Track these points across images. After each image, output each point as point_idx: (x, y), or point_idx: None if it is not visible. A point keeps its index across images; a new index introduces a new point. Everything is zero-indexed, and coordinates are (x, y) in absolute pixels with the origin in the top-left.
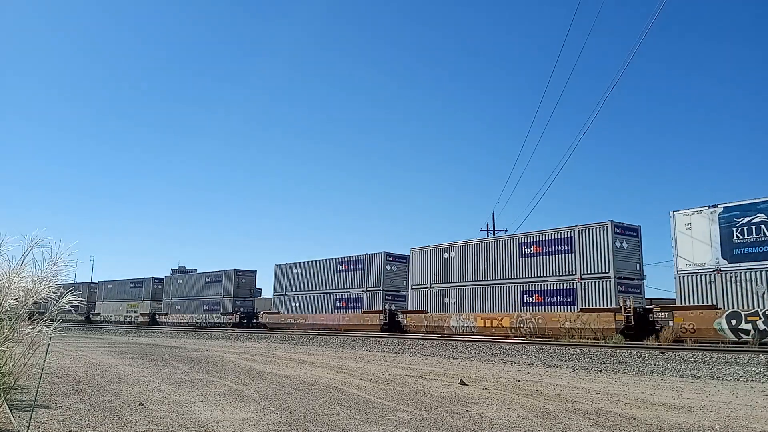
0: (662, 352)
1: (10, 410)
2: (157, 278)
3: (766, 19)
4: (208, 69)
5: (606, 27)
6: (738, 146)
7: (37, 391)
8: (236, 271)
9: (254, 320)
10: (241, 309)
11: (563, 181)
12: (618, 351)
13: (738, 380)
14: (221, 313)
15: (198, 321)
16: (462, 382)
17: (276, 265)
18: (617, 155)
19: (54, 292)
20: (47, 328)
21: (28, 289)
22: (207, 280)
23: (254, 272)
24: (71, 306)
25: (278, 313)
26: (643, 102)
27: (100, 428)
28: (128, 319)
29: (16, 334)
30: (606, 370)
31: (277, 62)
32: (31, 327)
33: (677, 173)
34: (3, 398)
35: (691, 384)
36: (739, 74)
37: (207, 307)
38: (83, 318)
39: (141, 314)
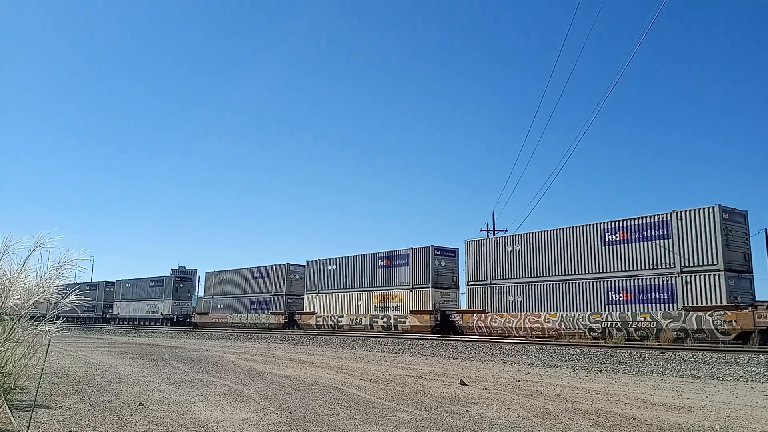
0: (662, 352)
1: (10, 410)
2: (179, 276)
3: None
4: (209, 69)
5: (607, 26)
6: (741, 143)
7: (37, 391)
8: (289, 265)
9: (295, 321)
10: (293, 308)
11: (563, 181)
12: (618, 351)
13: (738, 380)
14: (271, 313)
15: (242, 322)
16: (462, 382)
17: (307, 261)
18: (618, 154)
19: (57, 293)
20: (47, 329)
21: (30, 289)
22: (255, 275)
23: (304, 266)
24: (75, 305)
25: (313, 313)
26: (644, 101)
27: (100, 428)
28: (152, 320)
29: (16, 335)
30: (606, 370)
31: (278, 62)
32: (32, 327)
33: (678, 171)
34: (3, 398)
35: (691, 384)
36: (743, 72)
37: (254, 306)
38: (100, 318)
39: (162, 314)
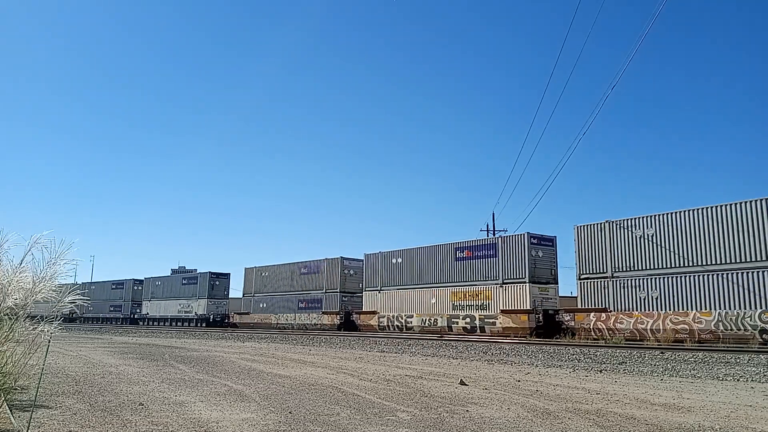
0: (662, 352)
1: (10, 410)
2: (215, 273)
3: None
4: (206, 70)
5: (606, 27)
6: (738, 146)
7: (37, 391)
8: (343, 259)
9: (352, 321)
10: (348, 307)
11: (564, 180)
12: (618, 351)
13: (738, 380)
14: (323, 313)
15: (289, 322)
16: (462, 382)
17: (366, 255)
18: (617, 155)
19: (54, 292)
20: (47, 328)
21: (29, 288)
22: (303, 270)
23: (361, 260)
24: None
25: (374, 312)
26: (643, 102)
27: (100, 428)
28: (185, 320)
29: (16, 335)
30: (606, 370)
31: (275, 63)
32: (32, 327)
33: (677, 173)
34: (3, 398)
35: (691, 384)
36: (742, 74)
37: (303, 305)
38: (127, 319)
39: (197, 314)
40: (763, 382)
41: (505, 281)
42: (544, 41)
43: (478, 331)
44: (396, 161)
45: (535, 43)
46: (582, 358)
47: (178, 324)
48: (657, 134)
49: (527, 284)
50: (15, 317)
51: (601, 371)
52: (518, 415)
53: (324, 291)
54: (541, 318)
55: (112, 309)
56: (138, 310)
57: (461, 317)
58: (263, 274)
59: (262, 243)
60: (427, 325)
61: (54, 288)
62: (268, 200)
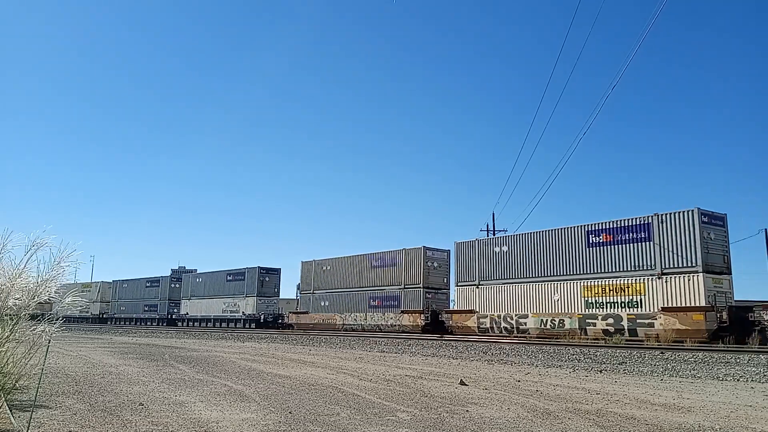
0: (662, 352)
1: (10, 410)
2: (264, 268)
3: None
4: (208, 68)
5: (607, 25)
6: (742, 144)
7: (37, 391)
8: (425, 249)
9: (442, 322)
10: (433, 305)
11: (564, 180)
12: (618, 351)
13: (738, 380)
14: (402, 312)
15: (359, 323)
16: (462, 383)
17: (456, 243)
18: (618, 154)
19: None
20: (48, 328)
21: (31, 288)
22: (375, 263)
23: (447, 251)
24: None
25: (471, 312)
26: (644, 100)
27: (100, 428)
28: (231, 321)
29: (17, 335)
30: (606, 370)
31: (277, 61)
32: (32, 328)
33: (679, 171)
34: (3, 398)
35: (691, 384)
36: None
37: (375, 303)
38: (164, 319)
39: (244, 314)
40: (763, 382)
41: (664, 271)
42: (544, 39)
43: (627, 334)
44: (395, 160)
45: (535, 41)
46: (582, 358)
47: (222, 325)
48: (660, 132)
49: (701, 275)
50: (16, 318)
51: (601, 371)
52: (518, 415)
53: (402, 287)
54: (725, 317)
55: (146, 309)
56: (176, 310)
57: (600, 318)
58: (324, 267)
59: (263, 243)
60: (548, 327)
61: (67, 288)
62: (269, 200)
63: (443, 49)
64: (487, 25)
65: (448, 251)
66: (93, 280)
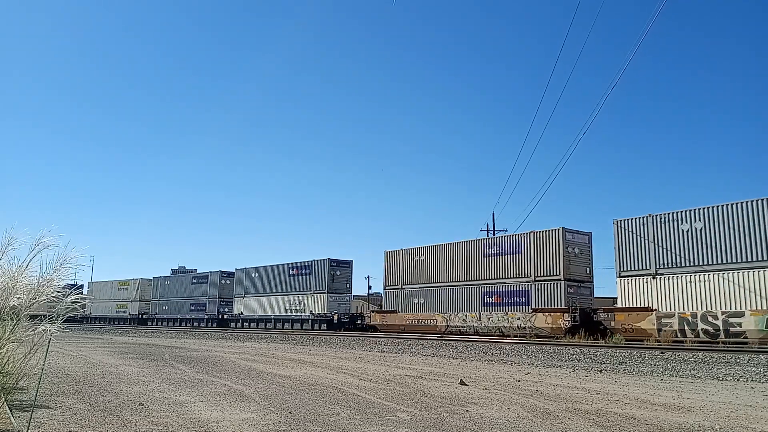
0: (662, 353)
1: (10, 410)
2: (335, 260)
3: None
4: (207, 68)
5: (607, 25)
6: (741, 144)
7: (37, 391)
8: (565, 230)
9: (597, 323)
10: (574, 301)
11: (564, 180)
12: (618, 351)
13: (738, 380)
14: (534, 311)
15: (471, 324)
16: (462, 383)
17: (615, 221)
18: (619, 154)
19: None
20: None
21: (34, 288)
22: (491, 250)
23: (588, 234)
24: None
25: (648, 310)
26: (644, 100)
27: (100, 428)
28: (297, 321)
29: (18, 335)
30: (606, 370)
31: (277, 61)
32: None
33: (678, 172)
34: (3, 398)
35: (691, 384)
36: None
37: (492, 300)
38: (214, 320)
39: (313, 314)
40: (763, 382)
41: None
42: (544, 39)
43: None
44: (395, 160)
45: (535, 41)
46: (582, 358)
47: (285, 326)
48: (659, 131)
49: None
50: (17, 318)
51: (601, 371)
52: (518, 415)
53: (532, 279)
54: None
55: (193, 308)
56: (227, 309)
57: None
58: (417, 258)
59: (263, 243)
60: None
61: (102, 286)
62: (269, 200)
63: (443, 49)
64: (487, 25)
65: (590, 234)
66: (132, 277)
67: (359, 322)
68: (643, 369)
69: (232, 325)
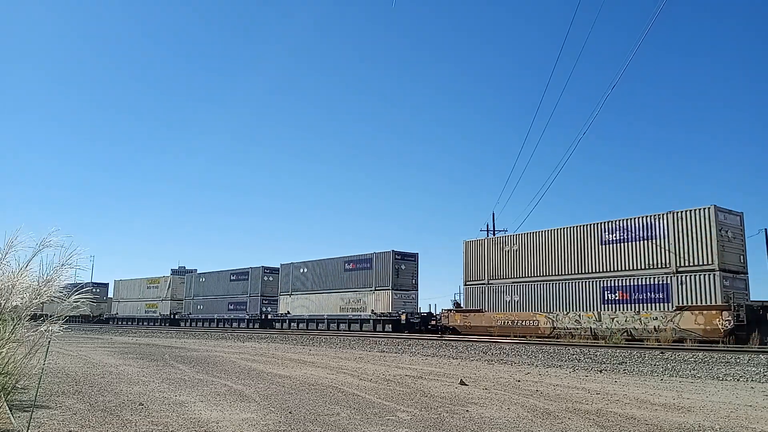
0: (662, 352)
1: (10, 410)
2: (399, 252)
3: None
4: (211, 66)
5: (609, 22)
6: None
7: (37, 391)
8: (717, 209)
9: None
10: (728, 296)
11: (565, 180)
12: (618, 351)
13: (738, 380)
14: (679, 308)
15: (589, 326)
16: (462, 383)
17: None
18: (620, 152)
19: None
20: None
21: (35, 288)
22: (610, 236)
23: (740, 214)
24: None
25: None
26: (646, 98)
27: (100, 428)
28: (355, 321)
29: (18, 335)
30: (606, 370)
31: (279, 60)
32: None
33: (682, 169)
34: (3, 398)
35: (691, 384)
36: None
37: (618, 297)
38: (256, 319)
39: (375, 313)
40: (763, 382)
41: None
42: (546, 36)
43: None
44: (395, 159)
45: (537, 38)
46: (582, 358)
47: (341, 327)
48: (662, 129)
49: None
50: (18, 318)
51: (601, 371)
52: (518, 415)
53: (672, 270)
54: None
55: (231, 307)
56: (271, 309)
57: None
58: (508, 247)
59: (265, 243)
60: None
61: (131, 284)
62: (270, 199)
63: (444, 47)
64: (489, 21)
65: (741, 214)
66: (162, 275)
67: (434, 323)
68: (643, 369)
69: (278, 325)
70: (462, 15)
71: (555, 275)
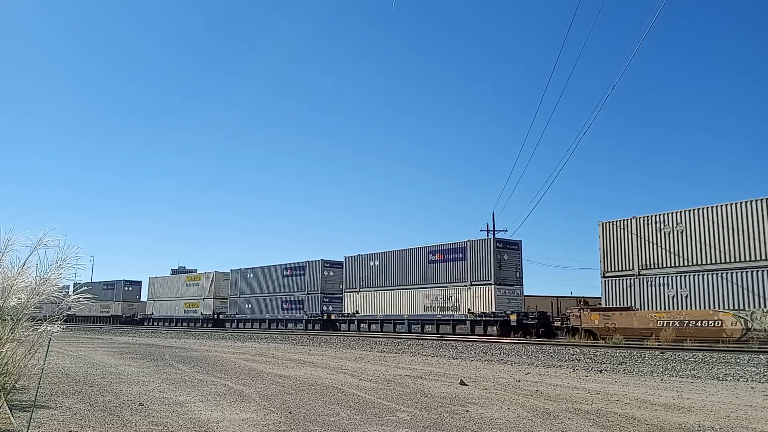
0: (662, 352)
1: (10, 410)
2: (501, 240)
3: None
4: (209, 66)
5: (609, 22)
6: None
7: (37, 391)
8: None
9: None
10: None
11: (565, 179)
12: (618, 351)
13: (738, 380)
14: None
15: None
16: (462, 383)
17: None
18: (620, 153)
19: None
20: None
21: (34, 288)
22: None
23: None
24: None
25: None
26: (647, 98)
27: (100, 428)
28: (446, 323)
29: (17, 335)
30: (606, 370)
31: (278, 59)
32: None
33: (681, 170)
34: (3, 398)
35: (691, 384)
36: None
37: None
38: (316, 319)
39: (470, 311)
40: (763, 382)
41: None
42: (546, 37)
43: None
44: (395, 159)
45: (537, 38)
46: (582, 358)
47: (427, 329)
48: (661, 130)
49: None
50: (17, 318)
51: (601, 371)
52: (518, 415)
53: None
54: None
55: (286, 306)
56: (333, 308)
57: None
58: (667, 229)
59: (264, 243)
60: None
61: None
62: (269, 199)
63: (443, 48)
64: (487, 23)
65: None
66: (205, 270)
67: (561, 323)
68: (643, 369)
69: (344, 327)
70: (462, 15)
71: (744, 261)
